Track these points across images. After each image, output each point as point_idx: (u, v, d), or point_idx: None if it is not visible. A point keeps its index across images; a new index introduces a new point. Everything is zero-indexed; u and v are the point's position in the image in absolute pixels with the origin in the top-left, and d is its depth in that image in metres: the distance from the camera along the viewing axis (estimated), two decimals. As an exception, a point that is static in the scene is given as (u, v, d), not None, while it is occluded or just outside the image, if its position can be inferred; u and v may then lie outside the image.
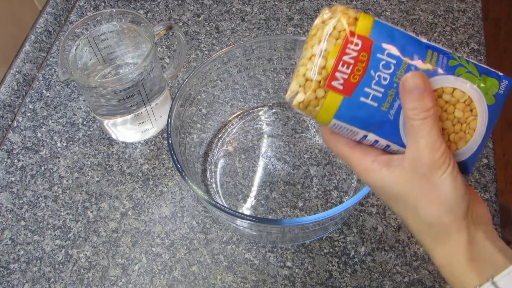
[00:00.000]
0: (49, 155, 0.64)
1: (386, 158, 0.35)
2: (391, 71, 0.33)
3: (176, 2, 0.78)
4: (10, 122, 0.66)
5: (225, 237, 0.57)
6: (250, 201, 0.59)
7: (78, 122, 0.66)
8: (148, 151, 0.64)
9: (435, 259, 0.34)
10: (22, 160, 0.63)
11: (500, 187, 0.61)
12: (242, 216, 0.46)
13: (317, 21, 0.33)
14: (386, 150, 0.35)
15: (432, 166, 0.32)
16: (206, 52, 0.73)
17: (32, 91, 0.69)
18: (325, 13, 0.33)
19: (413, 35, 0.35)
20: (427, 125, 0.32)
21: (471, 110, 0.34)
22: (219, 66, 0.59)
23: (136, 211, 0.59)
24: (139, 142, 0.64)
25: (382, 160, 0.35)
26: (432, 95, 0.33)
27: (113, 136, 0.64)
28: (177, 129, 0.54)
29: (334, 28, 0.32)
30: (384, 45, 0.33)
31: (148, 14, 0.77)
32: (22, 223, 0.58)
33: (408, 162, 0.33)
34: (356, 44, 0.32)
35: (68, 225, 0.58)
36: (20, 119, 0.67)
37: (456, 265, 0.33)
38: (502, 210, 0.59)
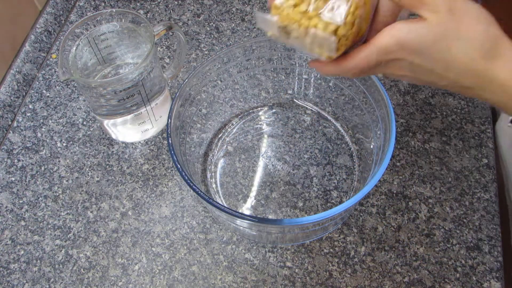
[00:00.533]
0: (49, 155, 0.64)
1: (405, 21, 0.35)
2: None
3: (176, 2, 0.78)
4: (10, 122, 0.66)
5: (225, 237, 0.57)
6: (250, 201, 0.59)
7: (78, 122, 0.66)
8: (148, 151, 0.64)
9: (497, 76, 0.33)
10: (22, 160, 0.63)
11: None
12: (242, 216, 0.46)
13: None
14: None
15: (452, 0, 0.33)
16: (206, 52, 0.73)
17: (32, 91, 0.69)
18: None
19: None
20: None
21: None
22: (219, 66, 0.59)
23: (136, 211, 0.59)
24: (139, 142, 0.64)
25: (410, 21, 0.34)
26: None
27: (113, 136, 0.64)
28: (177, 129, 0.54)
29: None
30: None
31: (148, 14, 0.77)
32: (22, 223, 0.58)
33: (427, 11, 0.33)
34: None
35: (68, 225, 0.58)
36: (20, 119, 0.67)
37: None
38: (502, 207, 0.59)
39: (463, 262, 0.54)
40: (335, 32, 0.35)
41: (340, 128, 0.64)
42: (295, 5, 0.36)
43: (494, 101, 0.35)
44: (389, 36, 0.34)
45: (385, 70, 0.37)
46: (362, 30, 0.36)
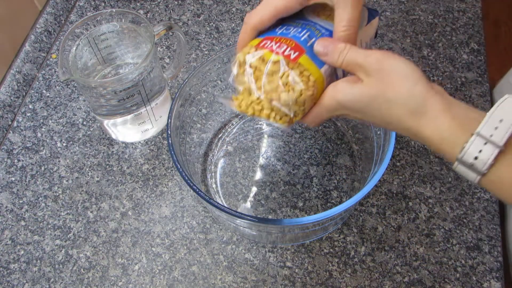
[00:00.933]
0: (49, 155, 0.64)
1: (346, 79, 0.40)
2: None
3: (176, 2, 0.78)
4: (10, 122, 0.66)
5: (225, 237, 0.57)
6: (250, 201, 0.59)
7: (78, 122, 0.66)
8: (148, 151, 0.64)
9: (423, 133, 0.36)
10: (22, 160, 0.63)
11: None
12: (242, 216, 0.46)
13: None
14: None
15: (381, 60, 0.37)
16: (206, 52, 0.73)
17: (32, 91, 0.69)
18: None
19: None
20: (351, 53, 0.39)
21: None
22: (219, 66, 0.59)
23: (136, 211, 0.59)
24: (139, 142, 0.64)
25: (347, 80, 0.39)
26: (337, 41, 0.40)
27: (113, 136, 0.64)
28: (177, 129, 0.54)
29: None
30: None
31: (148, 14, 0.77)
32: (22, 223, 0.58)
33: (362, 74, 0.38)
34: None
35: (68, 225, 0.58)
36: (20, 119, 0.67)
37: (443, 127, 0.35)
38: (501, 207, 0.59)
39: (463, 262, 0.54)
40: (285, 117, 0.40)
41: (340, 128, 0.64)
42: (249, 93, 0.41)
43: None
44: (331, 98, 0.39)
45: (343, 117, 0.43)
46: (314, 102, 0.41)
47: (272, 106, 0.40)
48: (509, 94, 0.34)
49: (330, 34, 0.42)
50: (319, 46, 0.40)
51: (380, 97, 0.37)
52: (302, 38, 0.41)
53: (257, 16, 0.42)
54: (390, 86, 0.37)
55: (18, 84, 0.68)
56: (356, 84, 0.38)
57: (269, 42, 0.40)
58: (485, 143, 0.33)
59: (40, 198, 0.60)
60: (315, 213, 0.58)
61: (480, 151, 0.33)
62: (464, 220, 0.57)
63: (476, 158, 0.33)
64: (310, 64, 0.40)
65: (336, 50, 0.39)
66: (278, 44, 0.40)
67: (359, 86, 0.38)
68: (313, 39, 0.41)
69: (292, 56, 0.39)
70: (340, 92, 0.39)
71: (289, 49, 0.40)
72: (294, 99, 0.39)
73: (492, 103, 0.66)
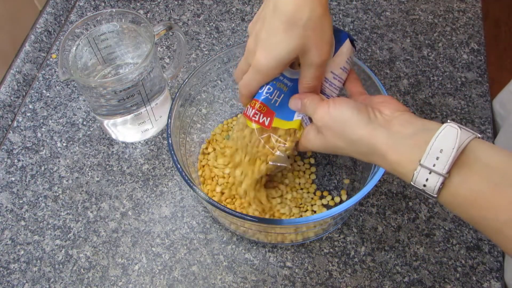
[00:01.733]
0: (49, 155, 0.64)
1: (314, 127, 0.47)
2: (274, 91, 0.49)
3: (176, 2, 0.78)
4: (10, 122, 0.66)
5: (225, 237, 0.57)
6: (250, 201, 0.59)
7: (78, 122, 0.66)
8: (148, 151, 0.64)
9: (382, 166, 0.41)
10: (22, 160, 0.63)
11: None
12: (242, 216, 0.46)
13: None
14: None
15: (323, 114, 0.43)
16: (206, 52, 0.73)
17: (32, 91, 0.69)
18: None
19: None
20: (309, 104, 0.46)
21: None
22: (219, 66, 0.59)
23: (136, 211, 0.59)
24: (139, 142, 0.64)
25: (314, 128, 0.46)
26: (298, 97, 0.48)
27: (113, 136, 0.64)
28: (177, 129, 0.54)
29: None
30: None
31: (148, 14, 0.77)
32: (22, 223, 0.58)
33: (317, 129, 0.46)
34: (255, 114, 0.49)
35: (68, 225, 0.58)
36: (20, 119, 0.67)
37: (392, 162, 0.38)
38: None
39: (463, 262, 0.54)
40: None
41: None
42: (244, 137, 0.50)
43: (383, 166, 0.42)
44: (305, 147, 0.49)
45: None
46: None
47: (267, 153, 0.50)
48: (448, 122, 0.35)
49: (295, 82, 0.48)
50: (292, 104, 0.48)
51: (335, 146, 0.43)
52: (273, 101, 0.48)
53: (249, 89, 0.48)
54: (337, 137, 0.42)
55: (18, 84, 0.68)
56: (318, 135, 0.45)
57: (250, 108, 0.48)
58: (430, 173, 0.35)
59: (40, 198, 0.60)
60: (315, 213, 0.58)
61: (427, 179, 0.35)
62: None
63: (424, 185, 0.35)
64: (282, 123, 0.48)
65: (303, 105, 0.46)
66: (253, 111, 0.48)
67: (320, 137, 0.45)
68: (281, 97, 0.48)
69: (266, 123, 0.48)
70: (309, 142, 0.47)
71: (262, 116, 0.48)
72: (284, 153, 0.49)
73: (492, 109, 0.66)
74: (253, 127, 0.48)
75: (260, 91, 0.47)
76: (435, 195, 0.35)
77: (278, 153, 0.49)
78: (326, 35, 0.43)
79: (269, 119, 0.48)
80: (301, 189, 0.58)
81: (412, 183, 0.36)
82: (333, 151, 0.45)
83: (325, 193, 0.58)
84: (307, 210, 0.57)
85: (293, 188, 0.58)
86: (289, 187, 0.57)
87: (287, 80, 0.48)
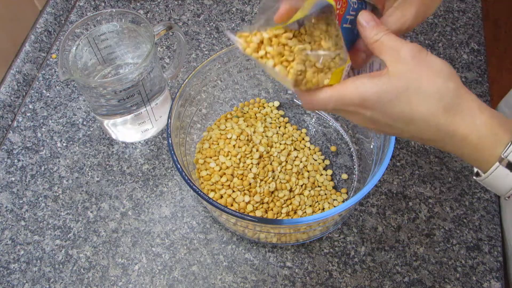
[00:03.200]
0: (49, 155, 0.63)
1: (367, 75, 0.36)
2: None
3: (176, 2, 0.78)
4: (10, 122, 0.66)
5: (225, 237, 0.57)
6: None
7: (78, 122, 0.66)
8: (148, 151, 0.64)
9: (457, 131, 0.34)
10: (22, 160, 0.63)
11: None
12: (242, 216, 0.46)
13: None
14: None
15: (416, 50, 0.34)
16: (206, 52, 0.73)
17: (32, 91, 0.69)
18: None
19: None
20: (389, 36, 0.35)
21: None
22: (219, 66, 0.59)
23: (136, 211, 0.59)
24: (139, 142, 0.64)
25: (368, 75, 0.36)
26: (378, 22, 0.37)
27: (113, 136, 0.64)
28: (177, 129, 0.54)
29: None
30: None
31: (148, 14, 0.77)
32: (22, 223, 0.58)
33: (393, 59, 0.35)
34: None
35: (68, 225, 0.58)
36: (20, 119, 0.67)
37: (482, 125, 0.33)
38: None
39: (463, 262, 0.54)
40: (296, 74, 0.36)
41: (340, 128, 0.64)
42: (260, 41, 0.37)
43: (456, 154, 0.36)
44: (353, 89, 0.35)
45: (343, 116, 0.38)
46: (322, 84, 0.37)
47: (287, 60, 0.36)
48: None
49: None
50: (363, 18, 0.37)
51: (411, 89, 0.34)
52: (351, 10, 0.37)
53: None
54: (424, 77, 0.34)
55: (18, 84, 0.68)
56: (382, 77, 0.34)
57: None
58: None
59: (40, 198, 0.60)
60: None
61: None
62: (464, 220, 0.57)
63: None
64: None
65: (377, 27, 0.36)
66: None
67: (386, 77, 0.34)
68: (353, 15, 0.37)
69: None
70: (363, 84, 0.35)
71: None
72: (330, 58, 0.36)
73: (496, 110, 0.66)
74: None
75: None
76: None
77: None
78: None
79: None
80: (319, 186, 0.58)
81: (504, 153, 0.32)
82: (389, 100, 0.34)
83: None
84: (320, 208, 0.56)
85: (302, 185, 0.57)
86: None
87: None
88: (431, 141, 0.35)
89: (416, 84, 0.33)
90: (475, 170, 0.38)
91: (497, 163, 0.33)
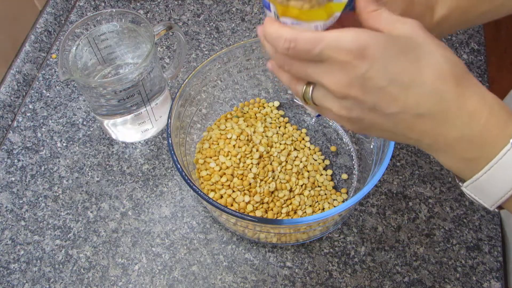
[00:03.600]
0: (49, 155, 0.64)
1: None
2: None
3: (176, 2, 0.78)
4: (10, 122, 0.66)
5: (225, 237, 0.57)
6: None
7: (78, 122, 0.66)
8: (148, 151, 0.64)
9: (465, 103, 0.30)
10: (22, 160, 0.63)
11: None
12: (242, 216, 0.46)
13: None
14: None
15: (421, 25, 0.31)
16: (206, 52, 0.73)
17: (32, 91, 0.69)
18: None
19: None
20: (389, 11, 0.32)
21: None
22: (219, 66, 0.59)
23: (136, 211, 0.59)
24: (139, 142, 0.64)
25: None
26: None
27: (113, 136, 0.64)
28: (177, 129, 0.54)
29: None
30: None
31: (148, 14, 0.77)
32: (22, 223, 0.58)
33: (405, 25, 0.31)
34: None
35: (68, 225, 0.58)
36: (20, 119, 0.67)
37: (494, 103, 0.30)
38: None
39: (463, 262, 0.54)
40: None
41: (340, 128, 0.64)
42: None
43: (450, 136, 0.31)
44: (353, 32, 0.29)
45: (319, 77, 0.31)
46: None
47: None
48: None
49: None
50: None
51: (423, 48, 0.30)
52: None
53: None
54: (434, 45, 0.30)
55: (18, 84, 0.68)
56: (389, 32, 0.31)
57: None
58: None
59: (40, 198, 0.60)
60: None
61: None
62: (464, 220, 0.57)
63: None
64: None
65: (376, 1, 0.32)
66: None
67: (395, 33, 0.30)
68: None
69: None
70: (365, 32, 0.29)
71: None
72: None
73: None
74: None
75: None
76: None
77: None
78: None
79: None
80: (319, 186, 0.58)
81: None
82: (396, 52, 0.30)
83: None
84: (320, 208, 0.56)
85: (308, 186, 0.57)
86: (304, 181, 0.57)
87: None
88: (425, 117, 0.30)
89: (428, 47, 0.30)
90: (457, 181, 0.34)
91: (510, 145, 0.28)
